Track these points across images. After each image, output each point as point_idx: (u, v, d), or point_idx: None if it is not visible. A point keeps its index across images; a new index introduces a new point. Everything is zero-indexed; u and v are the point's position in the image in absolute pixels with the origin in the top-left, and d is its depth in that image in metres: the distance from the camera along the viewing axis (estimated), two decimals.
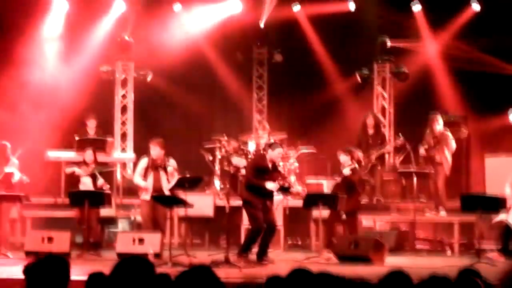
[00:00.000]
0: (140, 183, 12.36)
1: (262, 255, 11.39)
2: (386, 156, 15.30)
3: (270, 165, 11.43)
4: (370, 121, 14.72)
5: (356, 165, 12.78)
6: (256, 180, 11.33)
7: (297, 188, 12.73)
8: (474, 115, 14.84)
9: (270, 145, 11.85)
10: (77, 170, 12.83)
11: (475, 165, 13.56)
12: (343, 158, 12.78)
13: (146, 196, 12.23)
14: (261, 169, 11.37)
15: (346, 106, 16.61)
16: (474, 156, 13.70)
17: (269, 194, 11.43)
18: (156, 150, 12.28)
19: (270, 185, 11.27)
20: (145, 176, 12.32)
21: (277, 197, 13.83)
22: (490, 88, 15.07)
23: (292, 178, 14.72)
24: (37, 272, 4.19)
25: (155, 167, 12.29)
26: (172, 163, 12.35)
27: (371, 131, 14.64)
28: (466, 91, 15.22)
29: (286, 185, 11.99)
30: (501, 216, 11.85)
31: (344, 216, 12.50)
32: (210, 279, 4.13)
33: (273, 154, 11.46)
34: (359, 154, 13.91)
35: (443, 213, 13.66)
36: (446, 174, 13.60)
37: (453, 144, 13.54)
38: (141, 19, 16.31)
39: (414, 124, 14.81)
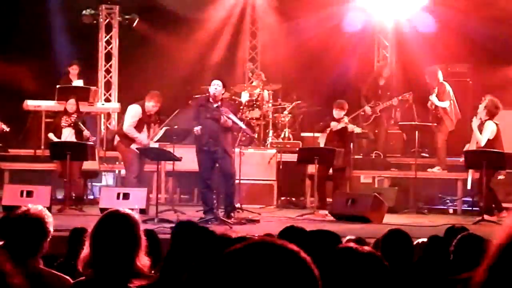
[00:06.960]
0: (135, 134, 12.03)
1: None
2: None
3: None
4: (386, 72, 14.53)
5: (346, 119, 12.75)
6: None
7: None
8: (480, 66, 14.74)
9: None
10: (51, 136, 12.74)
11: None
12: (335, 112, 12.77)
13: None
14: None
15: (345, 54, 16.39)
16: None
17: (205, 142, 10.96)
18: (151, 104, 12.08)
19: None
20: (137, 127, 12.08)
21: (271, 151, 13.92)
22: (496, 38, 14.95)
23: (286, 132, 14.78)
24: (10, 230, 4.16)
25: (148, 122, 12.14)
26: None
27: (382, 81, 14.47)
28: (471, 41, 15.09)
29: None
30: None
31: (331, 171, 12.53)
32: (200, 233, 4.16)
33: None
34: (366, 108, 14.00)
35: (437, 169, 13.65)
36: (447, 129, 13.56)
37: (447, 98, 13.45)
38: None
39: (418, 75, 14.70)
